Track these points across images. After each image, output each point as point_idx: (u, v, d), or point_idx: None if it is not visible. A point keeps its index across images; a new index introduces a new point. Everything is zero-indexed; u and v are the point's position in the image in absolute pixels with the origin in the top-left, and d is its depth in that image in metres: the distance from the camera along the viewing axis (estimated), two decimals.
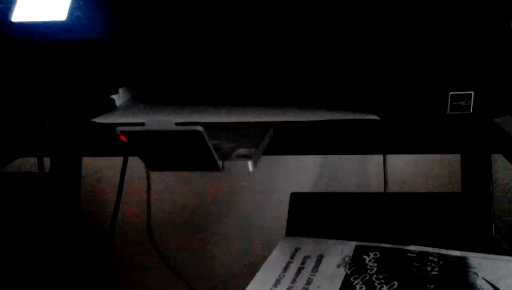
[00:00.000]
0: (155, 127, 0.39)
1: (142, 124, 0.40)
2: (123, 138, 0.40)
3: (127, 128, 0.39)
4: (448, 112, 0.53)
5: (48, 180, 0.88)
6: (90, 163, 1.09)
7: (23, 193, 0.89)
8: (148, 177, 1.02)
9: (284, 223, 0.78)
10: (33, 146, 0.62)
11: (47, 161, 0.88)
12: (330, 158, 1.14)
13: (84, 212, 0.99)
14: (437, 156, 1.06)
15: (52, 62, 0.58)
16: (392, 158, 1.08)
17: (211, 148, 0.40)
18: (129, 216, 1.13)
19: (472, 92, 0.52)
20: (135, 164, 1.00)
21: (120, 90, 0.60)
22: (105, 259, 1.04)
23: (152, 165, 0.44)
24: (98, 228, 1.06)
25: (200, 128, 0.38)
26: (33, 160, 0.94)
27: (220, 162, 0.43)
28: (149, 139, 0.41)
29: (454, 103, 0.53)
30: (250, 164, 0.43)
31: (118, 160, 0.98)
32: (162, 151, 0.42)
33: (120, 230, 1.03)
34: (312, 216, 0.80)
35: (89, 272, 0.98)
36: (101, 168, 1.13)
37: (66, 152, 0.74)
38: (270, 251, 0.70)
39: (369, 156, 1.13)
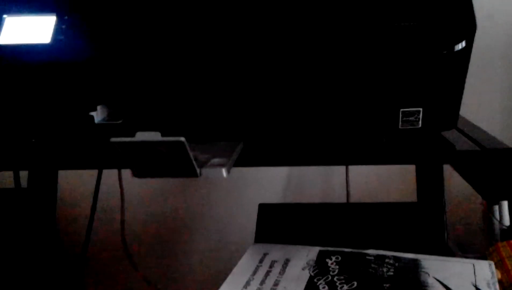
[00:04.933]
0: (144, 138, 0.44)
1: (133, 136, 0.44)
2: None
3: (120, 139, 0.44)
4: (400, 127, 0.58)
5: (25, 195, 0.90)
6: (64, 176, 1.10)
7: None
8: (121, 190, 1.03)
9: (253, 232, 0.81)
10: (12, 161, 0.65)
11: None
12: (296, 171, 1.18)
13: (58, 225, 1.00)
14: (396, 168, 1.10)
15: (37, 82, 0.60)
16: (354, 171, 1.11)
17: (191, 156, 0.45)
18: (103, 229, 1.14)
19: (421, 109, 0.57)
20: (110, 177, 1.02)
21: (98, 108, 0.62)
22: (80, 272, 1.05)
23: (139, 172, 0.48)
24: (73, 241, 1.07)
25: (182, 139, 0.43)
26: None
27: (198, 169, 0.47)
28: (138, 149, 0.45)
29: (405, 118, 0.57)
30: (224, 171, 0.48)
31: (93, 173, 1.00)
32: (148, 160, 0.46)
33: (94, 242, 1.04)
34: (279, 225, 0.82)
35: (63, 286, 0.99)
36: (75, 181, 1.15)
37: (46, 165, 0.76)
38: (239, 257, 0.73)
39: (332, 170, 1.17)
